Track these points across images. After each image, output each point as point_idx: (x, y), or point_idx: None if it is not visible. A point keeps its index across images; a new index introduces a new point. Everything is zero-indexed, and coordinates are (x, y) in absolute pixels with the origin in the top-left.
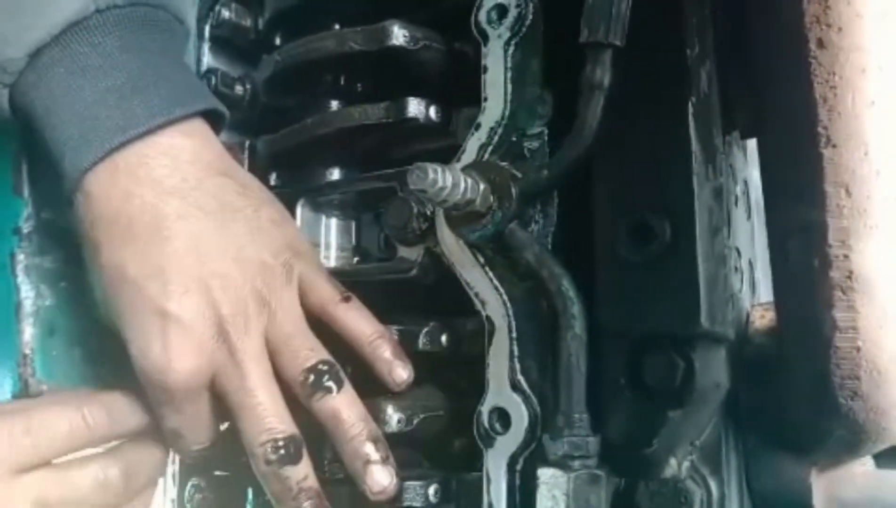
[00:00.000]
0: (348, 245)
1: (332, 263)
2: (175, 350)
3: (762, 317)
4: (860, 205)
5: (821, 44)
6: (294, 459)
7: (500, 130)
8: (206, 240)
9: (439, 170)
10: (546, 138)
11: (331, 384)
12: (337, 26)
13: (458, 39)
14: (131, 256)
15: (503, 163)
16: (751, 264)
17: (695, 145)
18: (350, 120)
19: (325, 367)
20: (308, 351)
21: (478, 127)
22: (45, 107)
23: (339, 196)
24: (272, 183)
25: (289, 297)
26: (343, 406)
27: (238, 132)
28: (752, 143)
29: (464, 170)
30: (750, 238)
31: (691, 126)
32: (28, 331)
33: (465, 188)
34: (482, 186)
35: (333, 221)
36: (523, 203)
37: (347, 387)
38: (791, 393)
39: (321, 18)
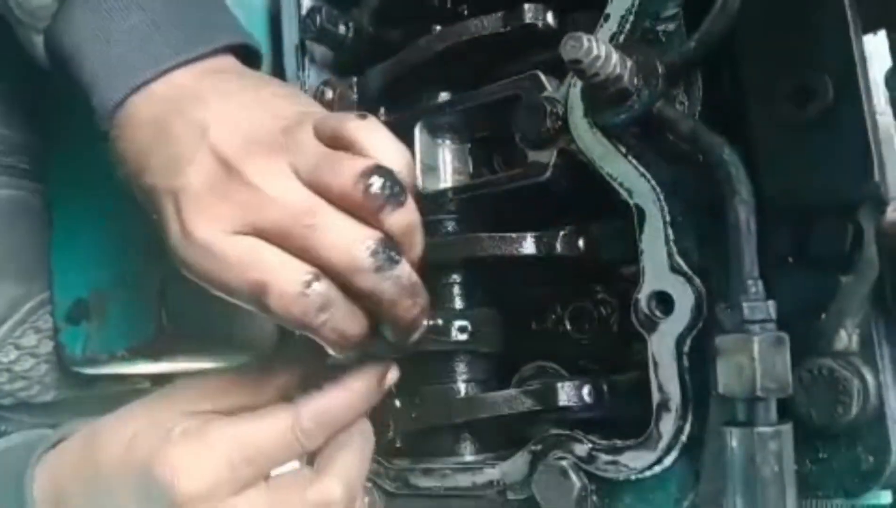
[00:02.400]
0: (464, 169)
1: (450, 183)
2: (192, 218)
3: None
4: None
5: None
6: (397, 257)
7: (631, 17)
8: (214, 120)
9: (593, 39)
10: (682, 19)
11: (398, 190)
12: None
13: None
14: (155, 170)
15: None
16: None
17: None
18: (465, 33)
19: (382, 171)
20: (352, 160)
21: (606, 17)
22: (74, 49)
23: (453, 118)
24: (382, 117)
25: (306, 135)
26: (416, 216)
27: (344, 71)
28: None
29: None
30: None
31: None
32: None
33: (616, 61)
34: (629, 62)
35: (448, 144)
36: (669, 80)
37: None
38: None
39: None
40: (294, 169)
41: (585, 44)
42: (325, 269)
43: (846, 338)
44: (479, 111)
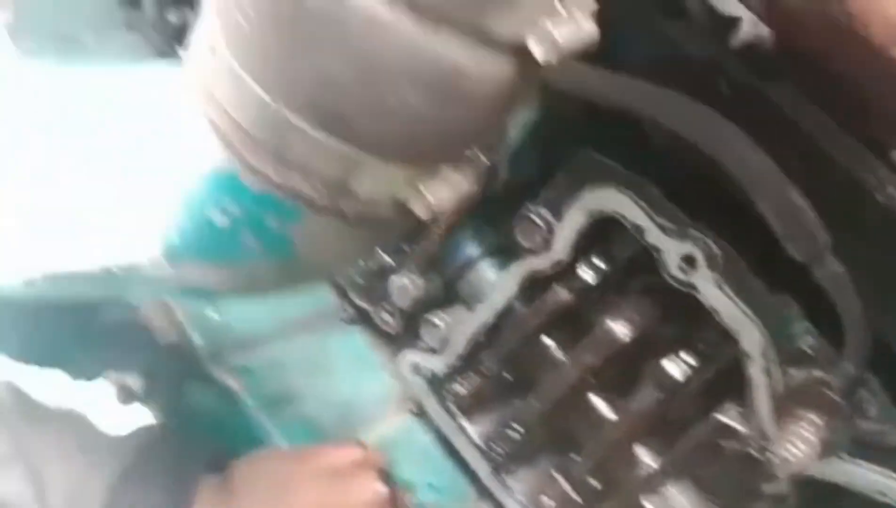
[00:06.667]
0: None
1: None
2: None
3: None
4: None
5: None
6: None
7: (770, 348)
8: None
9: None
10: (813, 331)
11: None
12: None
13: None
14: None
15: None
16: None
17: None
18: None
19: None
20: None
21: (748, 357)
22: None
23: None
24: None
25: None
26: None
27: None
28: None
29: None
30: None
31: None
32: None
33: None
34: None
35: None
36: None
37: None
38: None
39: None
40: None
41: None
42: None
43: None
44: None
